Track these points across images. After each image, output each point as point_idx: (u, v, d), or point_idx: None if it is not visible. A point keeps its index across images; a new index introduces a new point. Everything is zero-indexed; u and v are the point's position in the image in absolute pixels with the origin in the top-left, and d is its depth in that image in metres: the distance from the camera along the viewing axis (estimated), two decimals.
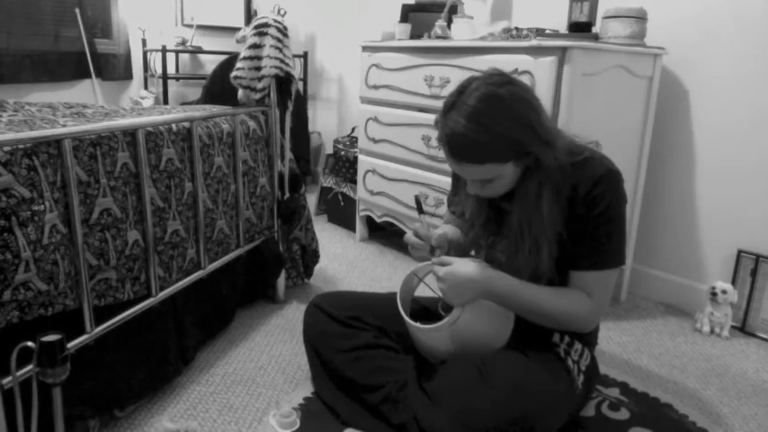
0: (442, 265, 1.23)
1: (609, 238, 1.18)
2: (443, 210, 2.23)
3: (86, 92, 3.20)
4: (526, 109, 1.10)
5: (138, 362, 1.39)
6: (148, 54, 3.42)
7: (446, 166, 2.23)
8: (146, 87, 3.45)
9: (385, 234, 2.91)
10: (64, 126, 1.35)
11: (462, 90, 1.12)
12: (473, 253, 1.44)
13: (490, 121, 1.07)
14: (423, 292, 1.46)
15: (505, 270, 1.24)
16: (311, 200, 2.82)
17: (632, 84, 1.98)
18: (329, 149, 3.67)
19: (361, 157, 2.71)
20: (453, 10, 2.44)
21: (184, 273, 1.56)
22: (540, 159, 1.13)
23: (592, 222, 1.17)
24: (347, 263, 2.54)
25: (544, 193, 1.16)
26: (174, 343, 1.51)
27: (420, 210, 1.36)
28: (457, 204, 1.42)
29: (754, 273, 1.97)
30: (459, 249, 1.41)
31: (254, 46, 1.87)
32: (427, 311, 1.43)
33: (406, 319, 1.31)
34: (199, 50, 3.48)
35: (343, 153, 3.04)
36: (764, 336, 1.95)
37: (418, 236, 1.31)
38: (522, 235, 1.19)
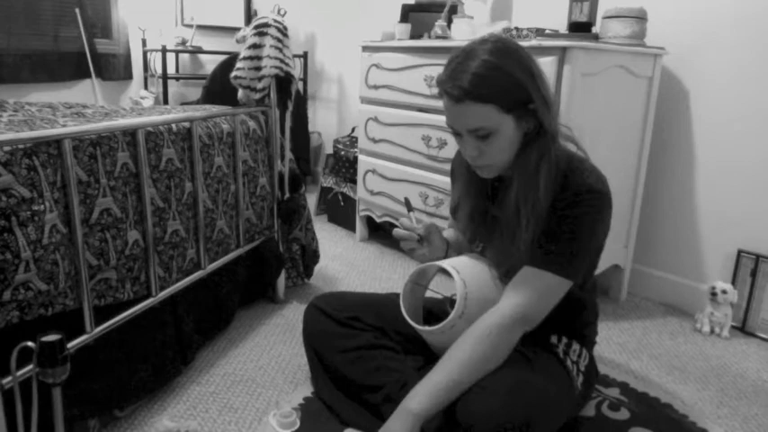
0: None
1: (567, 245, 1.14)
2: (444, 210, 2.24)
3: (86, 92, 3.20)
4: (531, 62, 1.12)
5: (138, 362, 1.39)
6: (148, 54, 3.42)
7: (446, 166, 2.23)
8: (146, 87, 3.45)
9: (385, 234, 2.90)
10: (64, 126, 1.35)
11: (470, 44, 1.13)
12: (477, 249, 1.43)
13: (499, 62, 1.08)
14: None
15: (500, 256, 1.23)
16: (311, 200, 2.82)
17: (632, 84, 1.98)
18: (329, 149, 3.67)
19: (361, 157, 2.71)
20: (453, 10, 2.44)
21: (184, 273, 1.56)
22: (541, 122, 1.12)
23: (559, 223, 1.14)
24: (347, 263, 2.54)
25: (543, 167, 1.13)
26: (174, 343, 1.51)
27: (409, 208, 1.38)
28: (452, 202, 1.43)
29: (754, 273, 1.97)
30: (458, 249, 1.41)
31: (254, 46, 1.87)
32: (430, 313, 1.43)
33: (412, 323, 1.31)
34: (199, 50, 3.48)
35: (343, 153, 3.04)
36: (764, 336, 1.95)
37: (404, 227, 1.33)
38: (519, 212, 1.15)
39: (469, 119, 1.11)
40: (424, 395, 1.09)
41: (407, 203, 1.40)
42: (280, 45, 1.88)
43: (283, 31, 1.89)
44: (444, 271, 1.28)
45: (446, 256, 1.38)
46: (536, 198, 1.13)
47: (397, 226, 1.36)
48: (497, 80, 1.08)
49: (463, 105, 1.10)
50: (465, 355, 1.11)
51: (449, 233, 1.44)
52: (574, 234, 1.13)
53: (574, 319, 1.31)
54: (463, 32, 2.21)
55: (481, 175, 1.22)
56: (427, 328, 1.28)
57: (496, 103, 1.09)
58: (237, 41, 1.96)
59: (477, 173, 1.23)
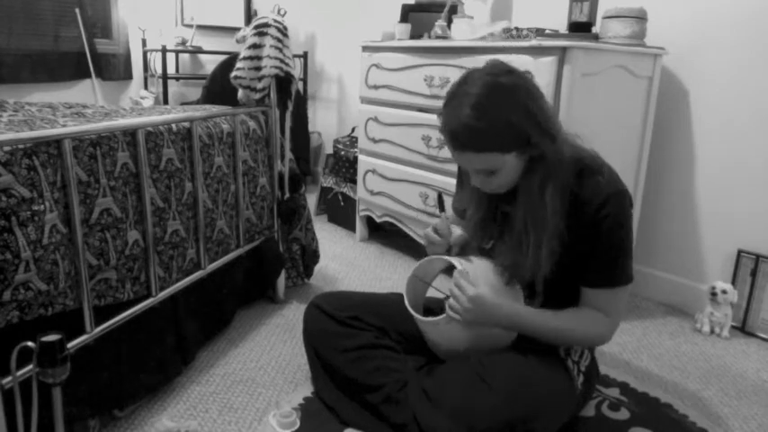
0: (469, 283, 1.20)
1: (620, 257, 1.20)
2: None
3: (86, 92, 3.20)
4: (526, 97, 1.11)
5: (138, 362, 1.39)
6: (148, 54, 3.42)
7: (446, 166, 2.23)
8: (146, 87, 3.45)
9: (385, 234, 2.90)
10: (64, 126, 1.35)
11: (464, 81, 1.13)
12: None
13: (492, 109, 1.08)
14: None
15: (507, 262, 1.24)
16: (311, 200, 2.82)
17: (632, 84, 1.98)
18: (329, 149, 3.67)
19: (361, 157, 2.71)
20: (453, 10, 2.44)
21: (184, 273, 1.56)
22: (543, 152, 1.13)
23: (602, 241, 1.17)
24: (347, 263, 2.54)
25: (548, 188, 1.15)
26: (174, 343, 1.51)
27: (441, 207, 1.36)
28: (460, 201, 1.42)
29: (754, 273, 1.97)
30: (466, 251, 1.41)
31: (254, 46, 1.87)
32: (430, 311, 1.43)
33: (412, 312, 1.30)
34: (199, 50, 3.48)
35: (343, 153, 3.04)
36: (764, 336, 1.95)
37: (437, 233, 1.32)
38: (527, 232, 1.18)
39: (473, 163, 1.16)
40: (534, 315, 1.22)
41: (440, 201, 1.37)
42: (280, 45, 1.87)
43: (283, 31, 1.89)
44: (449, 270, 1.28)
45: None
46: (543, 218, 1.16)
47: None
48: (493, 130, 1.09)
49: (465, 155, 1.14)
50: (581, 326, 1.22)
51: (459, 231, 1.44)
52: (620, 246, 1.19)
53: None
54: (463, 32, 2.21)
55: (489, 192, 1.26)
56: (428, 318, 1.28)
57: (496, 151, 1.11)
58: (237, 41, 1.96)
59: None
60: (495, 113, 1.08)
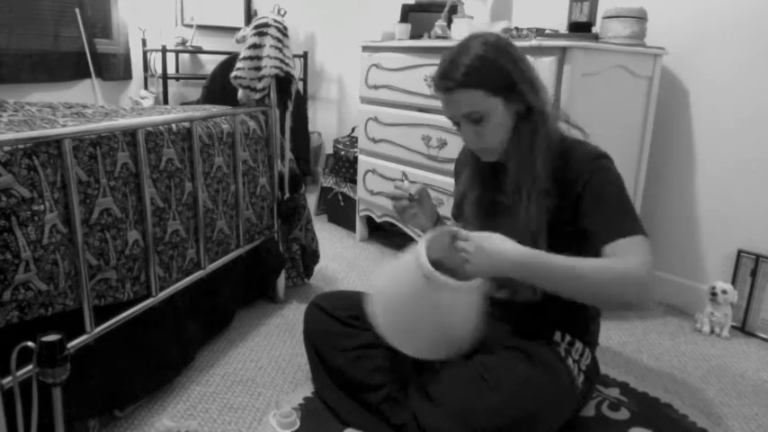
0: (467, 240, 1.15)
1: (622, 210, 1.16)
2: (445, 210, 2.23)
3: (86, 92, 3.20)
4: (517, 54, 1.20)
5: (138, 362, 1.39)
6: (148, 54, 3.42)
7: (446, 166, 2.23)
8: (146, 87, 3.45)
9: (385, 234, 2.90)
10: (64, 126, 1.35)
11: (462, 43, 1.22)
12: None
13: (484, 53, 1.17)
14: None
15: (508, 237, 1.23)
16: (311, 200, 2.82)
17: (632, 84, 1.98)
18: (329, 149, 3.67)
19: (361, 157, 2.71)
20: (453, 10, 2.44)
21: (184, 273, 1.56)
22: (530, 104, 1.19)
23: (598, 199, 1.16)
24: (347, 263, 2.54)
25: (537, 141, 1.20)
26: (174, 343, 1.51)
27: (404, 178, 1.42)
28: (457, 208, 1.42)
29: (754, 273, 1.97)
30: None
31: (254, 46, 1.87)
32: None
33: (431, 270, 1.15)
34: (199, 50, 3.48)
35: (343, 153, 3.04)
36: (764, 336, 1.95)
37: (398, 188, 1.36)
38: (518, 189, 1.21)
39: (461, 105, 1.19)
40: (548, 255, 1.10)
41: (404, 174, 1.42)
42: (280, 45, 1.88)
43: (283, 31, 1.90)
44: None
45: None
46: (534, 173, 1.19)
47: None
48: (482, 68, 1.16)
49: (454, 94, 1.19)
50: (608, 265, 1.09)
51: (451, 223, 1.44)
52: (618, 199, 1.17)
53: (577, 313, 1.31)
54: (463, 32, 2.20)
55: (483, 158, 1.29)
56: (451, 280, 1.15)
57: (483, 88, 1.16)
58: (237, 41, 1.96)
59: (480, 159, 1.30)
60: (487, 55, 1.17)
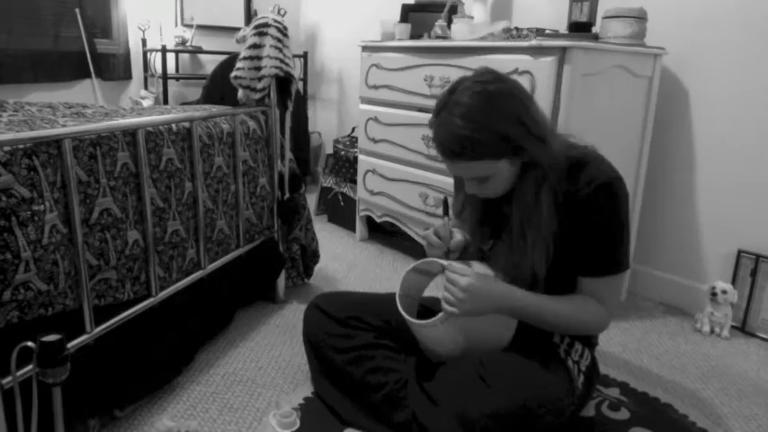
0: (460, 274, 1.18)
1: (616, 244, 1.19)
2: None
3: (86, 92, 3.20)
4: (516, 104, 1.11)
5: (138, 362, 1.39)
6: (148, 54, 3.42)
7: (446, 166, 2.23)
8: (146, 87, 3.45)
9: (385, 234, 2.90)
10: (64, 126, 1.35)
11: (453, 90, 1.13)
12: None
13: (481, 118, 1.08)
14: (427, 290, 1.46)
15: (504, 272, 1.23)
16: (311, 200, 2.82)
17: (632, 84, 1.98)
18: (329, 149, 3.67)
19: (361, 157, 2.71)
20: (453, 10, 2.44)
21: (184, 273, 1.56)
22: (535, 157, 1.14)
23: (598, 230, 1.17)
24: (347, 263, 2.54)
25: (542, 192, 1.16)
26: (174, 343, 1.51)
27: (446, 212, 1.35)
28: (457, 203, 1.42)
29: (754, 273, 1.97)
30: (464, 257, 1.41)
31: (254, 46, 1.87)
32: (427, 311, 1.43)
33: (405, 315, 1.29)
34: (199, 50, 3.48)
35: (343, 153, 3.04)
36: (764, 336, 1.95)
37: (438, 235, 1.31)
38: (524, 236, 1.18)
39: (464, 172, 1.18)
40: (529, 297, 1.20)
41: (445, 205, 1.36)
42: (280, 45, 1.87)
43: (283, 31, 1.89)
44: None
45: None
46: (539, 220, 1.16)
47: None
48: (483, 139, 1.09)
49: (457, 164, 1.15)
50: (577, 312, 1.21)
51: (460, 234, 1.43)
52: (615, 233, 1.18)
53: None
54: (463, 32, 2.21)
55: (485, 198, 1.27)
56: (422, 321, 1.25)
57: (487, 159, 1.12)
58: (237, 41, 1.96)
59: None
60: (485, 123, 1.08)
